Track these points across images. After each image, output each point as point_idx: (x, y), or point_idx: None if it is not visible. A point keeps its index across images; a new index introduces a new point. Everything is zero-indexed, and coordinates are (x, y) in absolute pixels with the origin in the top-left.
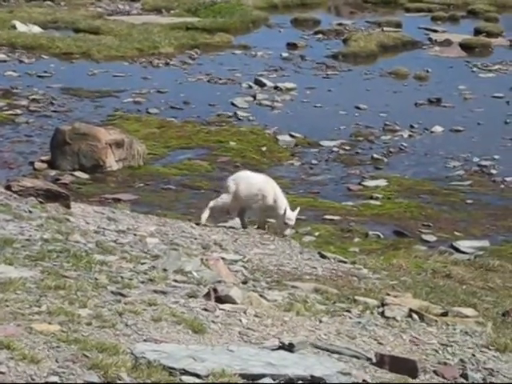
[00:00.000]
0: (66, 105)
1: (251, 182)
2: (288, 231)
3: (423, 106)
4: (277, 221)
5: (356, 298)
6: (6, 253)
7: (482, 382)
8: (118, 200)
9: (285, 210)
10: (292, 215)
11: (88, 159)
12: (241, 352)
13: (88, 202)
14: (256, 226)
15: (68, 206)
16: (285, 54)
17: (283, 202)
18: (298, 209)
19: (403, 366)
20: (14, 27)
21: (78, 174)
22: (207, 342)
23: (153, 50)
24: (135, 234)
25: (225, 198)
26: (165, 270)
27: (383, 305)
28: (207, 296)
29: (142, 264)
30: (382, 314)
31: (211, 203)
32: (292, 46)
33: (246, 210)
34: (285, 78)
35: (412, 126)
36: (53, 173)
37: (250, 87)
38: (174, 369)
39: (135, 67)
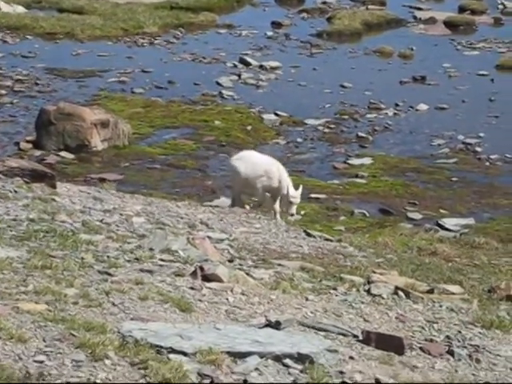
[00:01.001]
0: (51, 85)
1: (256, 162)
2: (294, 210)
3: (408, 84)
4: (282, 201)
5: (342, 275)
6: None
7: (468, 358)
8: (104, 180)
9: (287, 189)
10: (296, 193)
11: (73, 139)
12: (228, 330)
13: (73, 182)
14: (252, 205)
15: (54, 186)
16: (269, 33)
17: (286, 182)
18: (301, 187)
19: (389, 343)
20: None
21: (63, 154)
22: (194, 320)
23: (137, 30)
24: (121, 214)
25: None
26: (151, 249)
27: (369, 282)
28: (194, 275)
29: (129, 243)
30: (368, 291)
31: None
32: (277, 24)
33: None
34: (269, 56)
35: (397, 104)
36: (38, 153)
37: (235, 66)
38: (161, 347)
39: (120, 47)
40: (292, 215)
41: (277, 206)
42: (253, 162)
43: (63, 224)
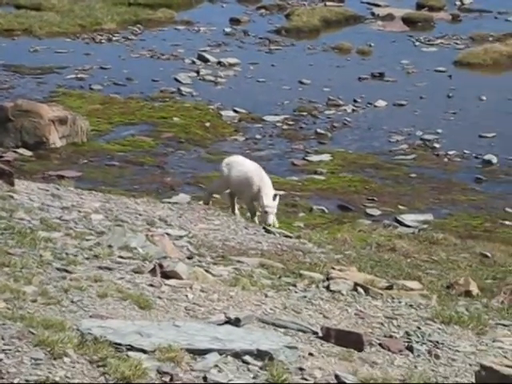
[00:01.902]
0: (8, 82)
1: (241, 168)
2: (270, 219)
3: (366, 81)
4: (260, 209)
5: (301, 272)
6: None
7: (427, 354)
8: (62, 177)
9: (262, 199)
10: (270, 203)
11: (31, 136)
12: (187, 327)
13: (32, 179)
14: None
15: (12, 183)
16: (228, 30)
17: (266, 191)
18: (278, 197)
19: (349, 339)
20: None
21: (21, 151)
22: (153, 317)
23: (95, 26)
24: (80, 211)
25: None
26: (110, 246)
27: (328, 279)
28: (153, 272)
29: (87, 240)
30: (328, 287)
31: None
32: (235, 21)
33: (234, 195)
34: (228, 53)
35: (355, 101)
36: None
37: (194, 63)
38: (120, 344)
39: (77, 43)
40: (268, 225)
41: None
42: (238, 169)
43: (21, 221)
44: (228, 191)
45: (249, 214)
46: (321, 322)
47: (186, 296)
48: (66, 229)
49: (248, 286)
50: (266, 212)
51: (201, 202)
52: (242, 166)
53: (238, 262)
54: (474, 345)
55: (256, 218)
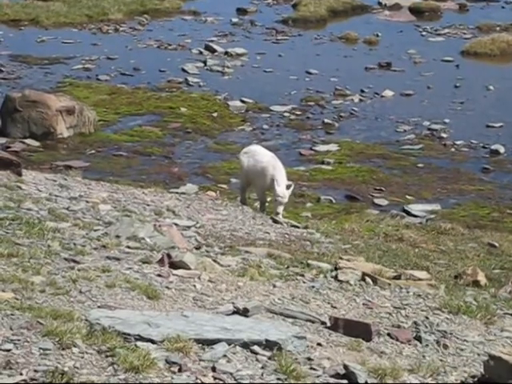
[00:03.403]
0: (16, 72)
1: (257, 157)
2: (280, 209)
3: (373, 71)
4: (273, 198)
5: (309, 262)
6: None
7: (435, 344)
8: (70, 167)
9: (275, 187)
10: (282, 192)
11: (38, 126)
12: (195, 317)
13: (39, 170)
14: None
15: (19, 174)
16: (235, 20)
17: (280, 181)
18: (292, 186)
19: (357, 329)
20: None
21: (28, 141)
22: (162, 307)
23: (102, 17)
24: (87, 201)
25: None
26: (118, 236)
27: (336, 269)
28: (161, 262)
29: (95, 231)
30: (336, 277)
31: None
32: (242, 11)
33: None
34: (235, 43)
35: (362, 91)
36: (3, 140)
37: (201, 53)
38: (128, 335)
39: (84, 34)
40: (277, 214)
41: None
42: (255, 159)
43: (29, 212)
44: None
45: (257, 205)
46: (329, 312)
47: (194, 286)
48: (73, 219)
49: (256, 276)
50: (276, 200)
51: (210, 192)
52: (257, 155)
53: (246, 252)
54: (483, 335)
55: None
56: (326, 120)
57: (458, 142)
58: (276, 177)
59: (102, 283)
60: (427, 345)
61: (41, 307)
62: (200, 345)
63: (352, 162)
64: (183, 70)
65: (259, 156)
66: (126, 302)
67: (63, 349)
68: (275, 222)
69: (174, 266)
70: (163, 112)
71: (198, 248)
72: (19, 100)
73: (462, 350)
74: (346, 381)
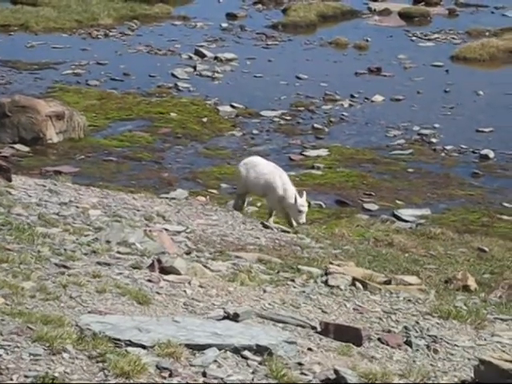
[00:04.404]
0: (5, 77)
1: (261, 171)
2: (304, 218)
3: (363, 76)
4: (290, 210)
5: (299, 267)
6: None
7: (425, 348)
8: (60, 172)
9: (295, 198)
10: (303, 201)
11: (28, 132)
12: (186, 323)
13: (29, 175)
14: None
15: (9, 179)
16: (224, 25)
17: (292, 191)
18: (305, 193)
19: (348, 334)
20: None
21: (18, 146)
22: (152, 313)
23: (92, 22)
24: (77, 206)
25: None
26: (108, 241)
27: (327, 274)
28: (151, 267)
29: (85, 236)
30: (326, 282)
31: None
32: (232, 16)
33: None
34: (225, 48)
35: (352, 96)
36: None
37: (190, 58)
38: (119, 340)
39: (74, 39)
40: (303, 224)
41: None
42: (256, 171)
43: (19, 217)
44: (241, 193)
45: (247, 209)
46: (319, 316)
47: (185, 291)
48: (64, 224)
49: (246, 282)
50: (300, 211)
51: (200, 197)
52: (260, 167)
53: (237, 257)
54: (473, 339)
55: (271, 219)
56: (315, 125)
57: (448, 147)
58: (287, 187)
59: (93, 288)
60: (417, 349)
61: (31, 312)
62: (191, 350)
63: (342, 167)
64: (173, 75)
65: (260, 168)
66: (117, 307)
67: (54, 354)
68: (265, 227)
69: (165, 271)
70: (153, 117)
71: (188, 253)
72: (9, 105)
73: (452, 354)
74: None
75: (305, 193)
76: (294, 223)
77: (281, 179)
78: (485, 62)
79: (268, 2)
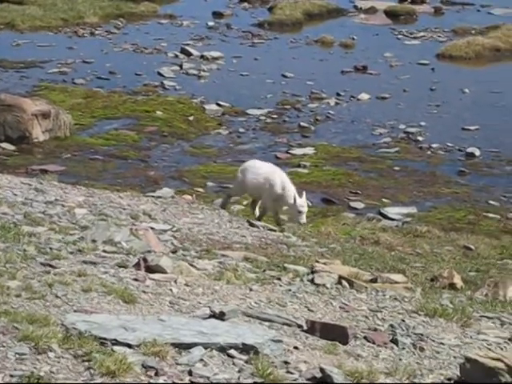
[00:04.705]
0: None
1: (258, 171)
2: (304, 218)
3: (349, 74)
4: (289, 210)
5: (286, 265)
6: None
7: (411, 346)
8: (46, 171)
9: (295, 198)
10: (303, 201)
11: (14, 130)
12: (172, 321)
13: (15, 174)
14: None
15: None
16: (211, 23)
17: (291, 191)
18: (305, 193)
19: (334, 332)
20: None
21: (4, 145)
22: (138, 311)
23: (78, 20)
24: (63, 205)
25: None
26: (94, 240)
27: (313, 272)
28: (137, 266)
29: (71, 235)
30: (312, 281)
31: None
32: (218, 14)
33: (257, 201)
34: (211, 46)
35: (338, 94)
36: None
37: (176, 56)
38: (105, 339)
39: (60, 37)
40: (303, 224)
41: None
42: (254, 172)
43: (5, 216)
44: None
45: (233, 208)
46: (305, 315)
47: (171, 290)
48: (49, 223)
49: (232, 280)
50: (299, 212)
51: (186, 195)
52: (259, 169)
53: (223, 255)
54: (459, 337)
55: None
56: (302, 123)
57: (434, 145)
58: (286, 186)
59: (78, 287)
60: (404, 348)
61: (16, 312)
62: (176, 349)
63: (328, 165)
64: (159, 73)
65: (258, 168)
66: (103, 306)
67: (39, 353)
68: (252, 225)
69: (151, 269)
70: (139, 115)
71: (174, 252)
72: None
73: (438, 352)
74: None
75: (304, 193)
76: (296, 223)
77: (280, 178)
78: (470, 60)
79: (254, 0)
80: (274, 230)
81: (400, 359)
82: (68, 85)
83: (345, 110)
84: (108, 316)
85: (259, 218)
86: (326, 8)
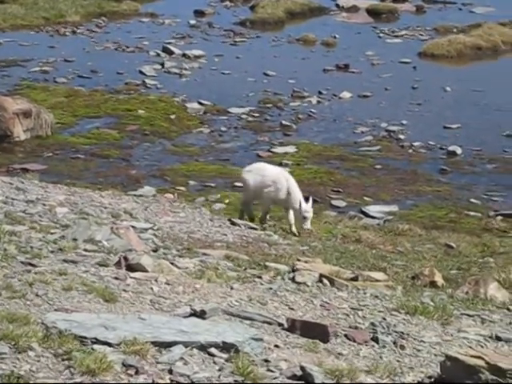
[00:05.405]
0: None
1: (265, 173)
2: (309, 224)
3: (331, 72)
4: (294, 215)
5: (267, 264)
6: None
7: (392, 344)
8: (27, 170)
9: (300, 204)
10: (308, 207)
11: None
12: (152, 320)
13: None
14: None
15: None
16: (192, 22)
17: (298, 195)
18: (311, 199)
19: (315, 330)
20: None
21: None
22: (118, 310)
23: (59, 19)
24: (44, 204)
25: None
26: (75, 239)
27: (294, 270)
28: (118, 264)
29: (52, 234)
30: (293, 279)
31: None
32: (200, 13)
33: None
34: (193, 45)
35: (320, 92)
36: None
37: (158, 55)
38: (85, 338)
39: (42, 36)
40: (308, 230)
41: (291, 218)
42: (262, 174)
43: None
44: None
45: (215, 207)
46: (286, 313)
47: (152, 289)
48: (30, 222)
49: (213, 279)
50: (304, 217)
51: (167, 194)
52: (264, 171)
53: (204, 254)
54: (439, 335)
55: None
56: (283, 122)
57: (416, 144)
58: (292, 190)
59: (59, 286)
60: (384, 346)
61: None
62: (157, 347)
63: (310, 164)
64: (141, 72)
65: (266, 171)
66: (83, 305)
67: (19, 352)
68: (233, 223)
69: (131, 268)
70: (121, 114)
71: (155, 250)
72: None
73: (418, 350)
74: (303, 382)
75: (311, 198)
76: (294, 229)
77: (287, 182)
78: (452, 58)
79: None
80: (256, 229)
81: (381, 357)
82: (50, 83)
83: (327, 108)
84: (88, 315)
85: (262, 220)
86: (308, 6)
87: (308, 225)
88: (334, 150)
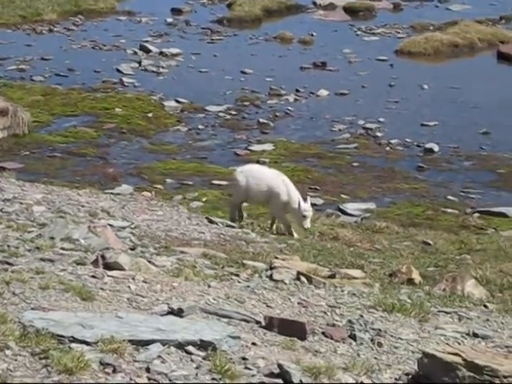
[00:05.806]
0: None
1: (261, 177)
2: (308, 223)
3: (308, 70)
4: (293, 215)
5: (244, 261)
6: None
7: (370, 342)
8: (4, 169)
9: (299, 203)
10: (307, 206)
11: None
12: (130, 318)
13: None
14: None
15: None
16: (170, 20)
17: (296, 195)
18: (309, 198)
19: (292, 328)
20: None
21: None
22: (96, 309)
23: (36, 17)
24: (21, 203)
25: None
26: (52, 237)
27: (271, 268)
28: (95, 263)
29: (29, 232)
30: (271, 277)
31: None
32: (177, 11)
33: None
34: (170, 43)
35: (298, 90)
36: None
37: (135, 53)
38: (62, 336)
39: (18, 34)
40: (307, 229)
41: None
42: (257, 177)
43: None
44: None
45: (192, 205)
46: (264, 311)
47: (129, 287)
48: (7, 221)
49: (191, 277)
50: (304, 216)
51: (145, 192)
52: (261, 174)
53: (181, 252)
54: (417, 332)
55: (274, 227)
56: (261, 120)
57: (393, 141)
58: (290, 191)
59: (36, 285)
60: (362, 343)
61: None
62: (134, 346)
63: (287, 162)
64: (118, 70)
65: (261, 174)
66: (60, 303)
67: None
68: (211, 222)
69: (109, 267)
70: (98, 113)
71: (132, 249)
72: None
73: (396, 347)
74: (280, 380)
75: (309, 198)
76: (295, 233)
77: (284, 184)
78: (429, 56)
79: None
80: (233, 227)
81: (358, 354)
82: (26, 82)
83: (304, 106)
84: (65, 313)
85: (271, 226)
86: (285, 4)
87: (308, 224)
88: (312, 147)
